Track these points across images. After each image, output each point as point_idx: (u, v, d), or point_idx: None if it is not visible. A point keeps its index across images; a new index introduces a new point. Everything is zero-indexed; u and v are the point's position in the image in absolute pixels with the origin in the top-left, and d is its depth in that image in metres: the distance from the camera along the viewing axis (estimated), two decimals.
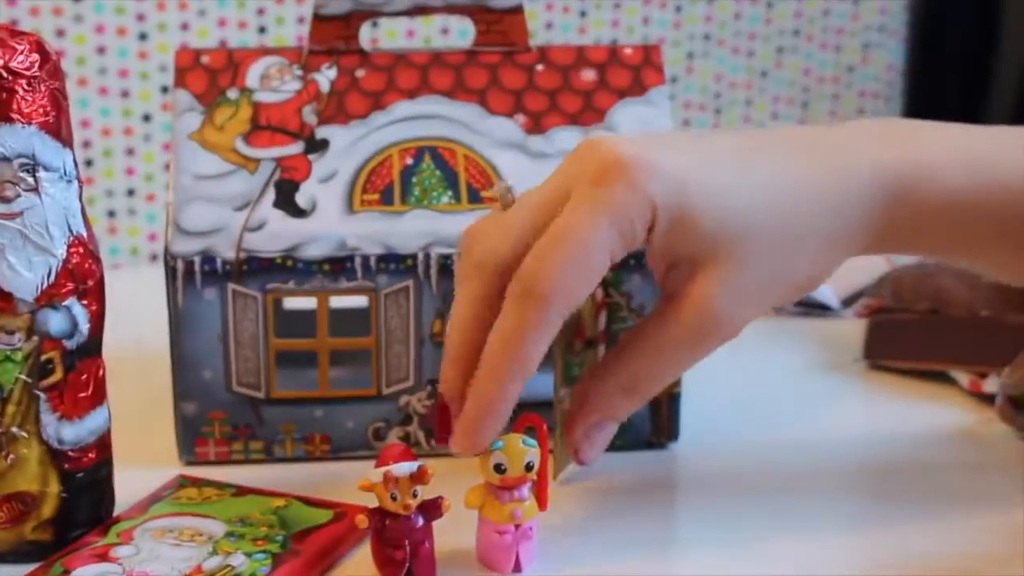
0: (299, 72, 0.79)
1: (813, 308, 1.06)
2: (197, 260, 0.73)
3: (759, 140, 0.66)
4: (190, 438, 0.75)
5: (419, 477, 0.61)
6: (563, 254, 0.60)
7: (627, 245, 0.62)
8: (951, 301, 0.89)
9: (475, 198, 0.76)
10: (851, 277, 1.08)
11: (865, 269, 1.07)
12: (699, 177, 0.62)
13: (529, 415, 0.64)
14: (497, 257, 0.63)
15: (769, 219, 0.63)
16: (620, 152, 0.61)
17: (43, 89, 0.61)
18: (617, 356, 0.66)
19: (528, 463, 0.62)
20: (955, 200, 0.65)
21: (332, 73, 0.79)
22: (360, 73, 0.79)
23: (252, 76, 0.79)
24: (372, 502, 0.62)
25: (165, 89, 1.19)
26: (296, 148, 0.77)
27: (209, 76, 0.79)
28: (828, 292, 1.07)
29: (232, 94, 0.78)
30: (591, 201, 0.61)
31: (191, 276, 0.73)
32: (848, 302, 1.07)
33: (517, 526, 0.63)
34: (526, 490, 0.63)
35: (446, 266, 0.74)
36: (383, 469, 0.60)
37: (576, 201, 0.61)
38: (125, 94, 1.20)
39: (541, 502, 0.64)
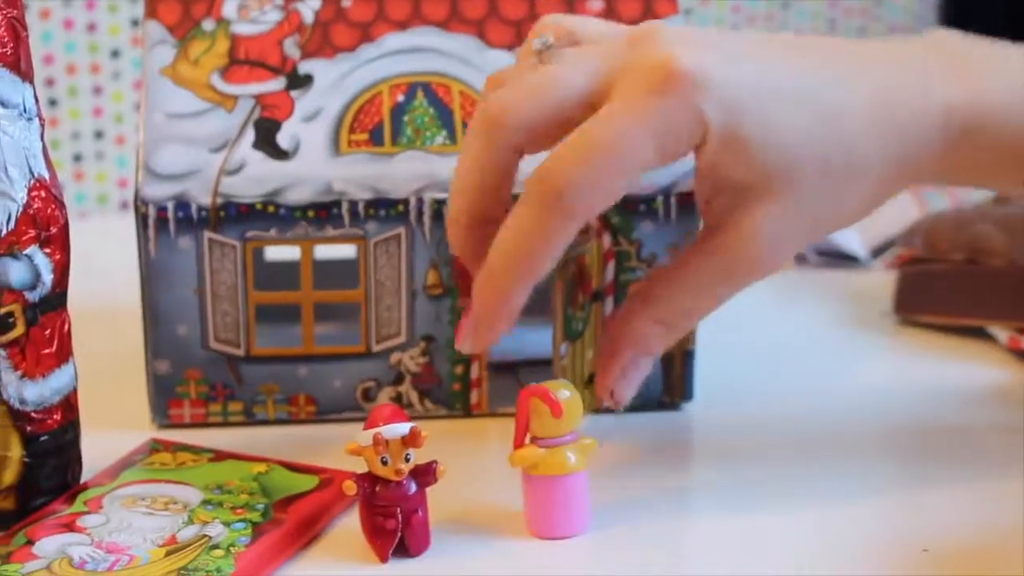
0: (280, 1, 0.78)
1: (839, 259, 1.06)
2: (170, 206, 0.72)
3: (825, 55, 0.66)
4: (163, 399, 0.75)
5: (412, 440, 0.60)
6: (596, 164, 0.61)
7: (666, 160, 0.62)
8: (989, 250, 0.89)
9: None
10: (880, 225, 1.08)
11: (896, 216, 1.07)
12: (757, 99, 0.62)
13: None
14: (517, 120, 0.63)
15: (827, 149, 0.63)
16: (678, 61, 0.60)
17: None
18: (651, 289, 0.67)
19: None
20: (1021, 138, 0.66)
21: (316, 2, 0.79)
22: (346, 2, 0.79)
23: (229, 6, 0.78)
24: (361, 467, 0.61)
25: (135, 22, 1.17)
26: (277, 84, 0.76)
27: (182, 6, 0.78)
28: (856, 241, 1.07)
29: (207, 25, 0.77)
30: (637, 112, 0.61)
31: (164, 223, 0.72)
32: (877, 252, 1.07)
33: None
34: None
35: (440, 212, 0.73)
36: (373, 431, 0.60)
37: (621, 107, 0.61)
38: (92, 28, 1.18)
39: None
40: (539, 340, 0.76)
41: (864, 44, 0.69)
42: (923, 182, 0.68)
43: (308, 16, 0.78)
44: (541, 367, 0.76)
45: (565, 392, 0.64)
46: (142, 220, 0.72)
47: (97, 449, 0.68)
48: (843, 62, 0.66)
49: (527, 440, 0.64)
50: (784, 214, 0.64)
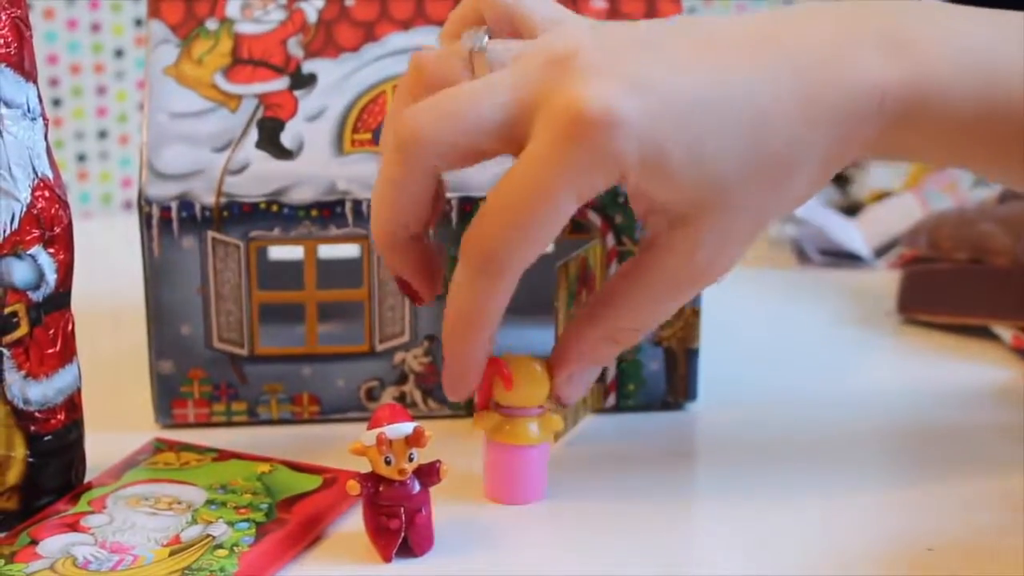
0: (283, 0, 0.78)
1: (843, 258, 1.06)
2: (174, 206, 0.72)
3: (742, 46, 0.63)
4: (167, 399, 0.75)
5: (415, 440, 0.60)
6: (520, 225, 0.60)
7: (586, 200, 0.61)
8: (993, 249, 0.89)
9: None
10: (884, 225, 1.07)
11: (899, 216, 1.06)
12: (677, 124, 0.60)
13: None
14: (429, 146, 0.62)
15: (759, 154, 0.61)
16: (588, 105, 0.59)
17: (3, 17, 0.60)
18: (598, 306, 0.66)
19: None
20: (962, 117, 0.63)
21: (319, 1, 0.78)
22: (350, 2, 0.78)
23: (232, 5, 0.78)
24: (364, 467, 0.61)
25: (139, 21, 1.17)
26: (281, 83, 0.76)
27: (185, 5, 0.78)
28: (859, 241, 1.06)
29: (211, 25, 0.77)
30: (553, 164, 0.59)
31: (167, 223, 0.72)
32: (881, 252, 1.06)
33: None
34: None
35: (444, 212, 0.73)
36: (376, 431, 0.60)
37: (537, 160, 0.60)
38: (95, 27, 1.18)
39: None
40: (541, 338, 0.75)
41: (785, 23, 0.65)
42: (868, 159, 0.67)
43: (311, 15, 0.77)
44: None
45: (537, 367, 0.66)
46: (146, 220, 0.72)
47: (101, 449, 0.67)
48: (763, 52, 0.63)
49: (492, 405, 0.66)
50: (722, 226, 0.62)
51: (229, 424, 0.75)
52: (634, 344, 0.68)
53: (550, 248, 0.84)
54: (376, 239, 0.65)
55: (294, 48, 0.77)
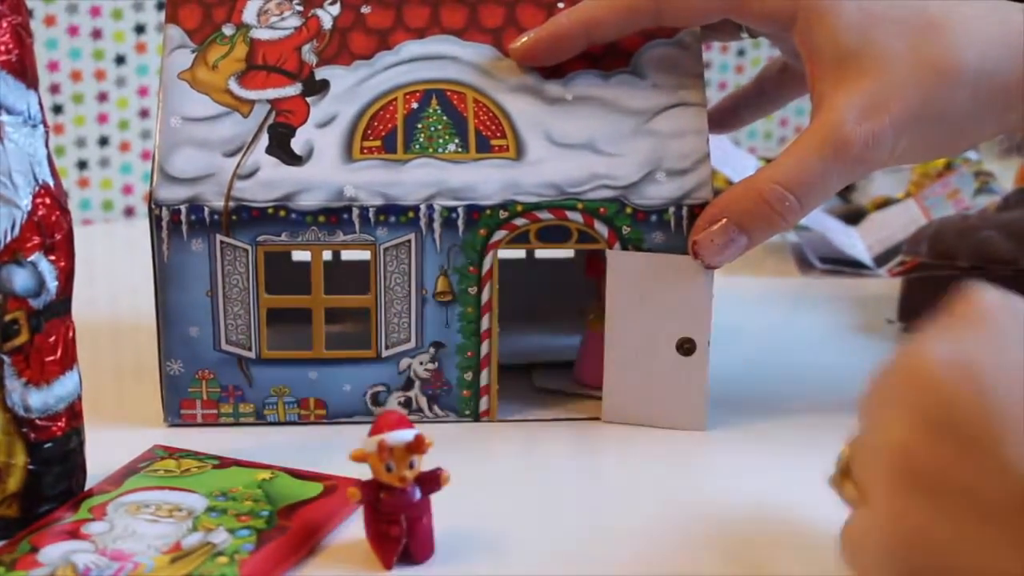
0: (300, 7, 0.75)
1: (844, 266, 1.03)
2: (183, 209, 0.69)
3: None
4: (176, 399, 0.72)
5: (416, 446, 0.57)
6: None
7: None
8: (995, 257, 0.85)
9: (484, 147, 0.71)
10: (886, 232, 1.05)
11: (901, 223, 1.04)
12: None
13: None
14: None
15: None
16: None
17: (4, 25, 0.58)
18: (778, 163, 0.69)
19: None
20: None
21: (335, 9, 0.75)
22: (366, 9, 0.75)
23: (249, 11, 0.74)
24: (365, 473, 0.58)
25: (140, 28, 1.14)
26: (293, 90, 0.72)
27: (204, 10, 0.74)
28: (861, 248, 1.04)
29: (228, 30, 0.74)
30: None
31: (177, 226, 0.69)
32: (882, 259, 1.04)
33: None
34: None
35: (450, 219, 0.70)
36: (377, 438, 0.57)
37: None
38: (96, 34, 1.15)
39: None
40: (553, 343, 0.72)
41: None
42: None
43: (327, 22, 0.74)
44: (555, 369, 0.72)
45: None
46: (156, 222, 0.69)
47: (102, 456, 0.64)
48: None
49: None
50: (864, 94, 0.66)
51: (237, 425, 0.72)
52: (806, 208, 0.69)
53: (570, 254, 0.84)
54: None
55: (308, 55, 0.73)
